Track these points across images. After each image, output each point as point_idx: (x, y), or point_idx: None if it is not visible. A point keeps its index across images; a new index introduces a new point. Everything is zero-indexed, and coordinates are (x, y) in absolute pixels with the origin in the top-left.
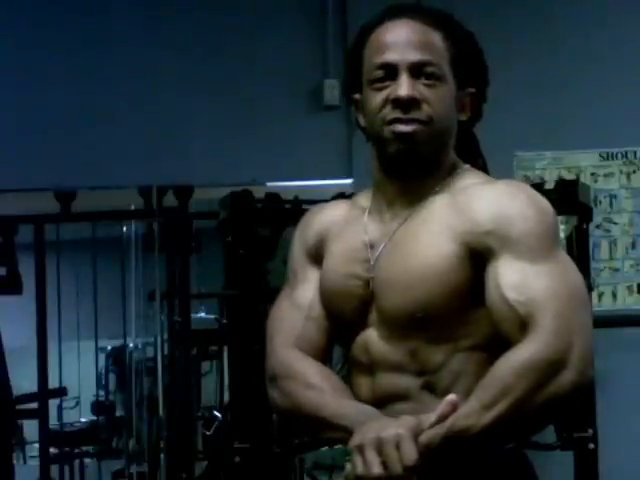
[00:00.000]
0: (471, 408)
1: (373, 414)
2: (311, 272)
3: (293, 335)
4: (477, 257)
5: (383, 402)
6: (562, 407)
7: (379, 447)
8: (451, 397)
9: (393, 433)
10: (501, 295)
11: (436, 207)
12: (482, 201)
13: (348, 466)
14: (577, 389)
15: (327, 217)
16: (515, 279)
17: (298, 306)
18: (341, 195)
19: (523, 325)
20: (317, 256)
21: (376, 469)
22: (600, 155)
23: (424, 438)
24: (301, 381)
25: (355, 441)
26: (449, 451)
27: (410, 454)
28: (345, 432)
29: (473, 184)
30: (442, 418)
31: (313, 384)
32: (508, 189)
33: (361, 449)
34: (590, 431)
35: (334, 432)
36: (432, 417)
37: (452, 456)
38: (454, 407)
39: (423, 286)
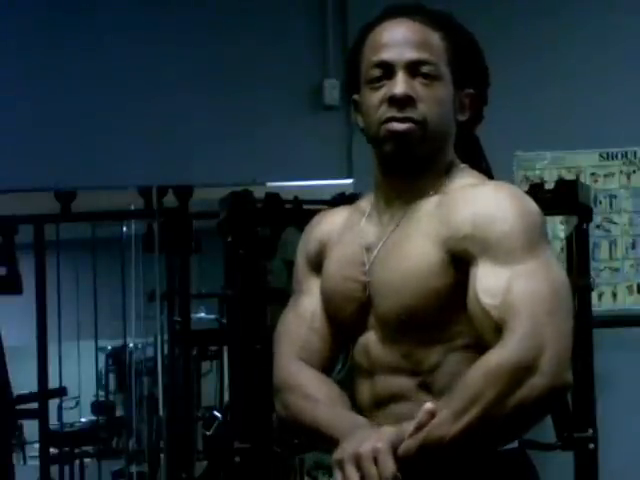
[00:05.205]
0: (443, 417)
1: (362, 424)
2: (313, 282)
3: (297, 346)
4: (460, 261)
5: (382, 403)
6: (536, 412)
7: (357, 462)
8: (428, 406)
9: (370, 448)
10: (477, 301)
11: (427, 209)
12: (464, 205)
13: None
14: (550, 394)
15: (327, 225)
16: (491, 283)
17: (302, 317)
18: (341, 195)
19: (498, 330)
20: (318, 265)
21: None
22: (600, 155)
23: (401, 450)
24: (299, 393)
25: (336, 455)
26: (426, 460)
27: (388, 468)
28: (334, 442)
29: (462, 187)
30: (420, 427)
31: (310, 395)
32: (491, 191)
33: (340, 464)
34: (590, 431)
35: (326, 442)
36: (411, 427)
37: (431, 464)
38: (432, 415)
39: (407, 290)
